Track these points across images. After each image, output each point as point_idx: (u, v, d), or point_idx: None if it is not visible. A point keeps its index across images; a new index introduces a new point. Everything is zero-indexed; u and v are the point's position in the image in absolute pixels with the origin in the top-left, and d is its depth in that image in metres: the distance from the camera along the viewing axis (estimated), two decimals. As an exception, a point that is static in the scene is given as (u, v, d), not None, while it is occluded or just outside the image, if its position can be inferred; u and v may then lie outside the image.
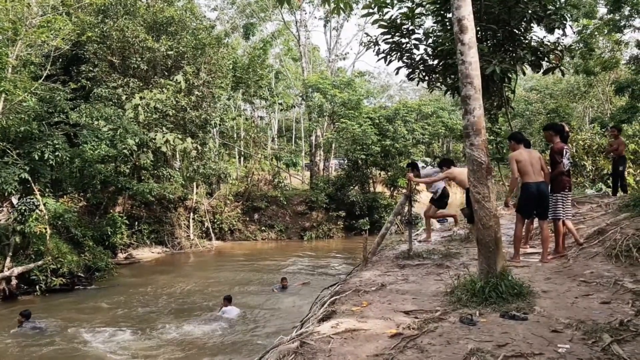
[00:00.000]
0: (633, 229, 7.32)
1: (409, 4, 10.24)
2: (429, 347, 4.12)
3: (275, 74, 35.82)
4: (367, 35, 10.87)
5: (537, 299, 5.22)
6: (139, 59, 19.86)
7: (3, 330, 10.69)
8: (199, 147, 21.02)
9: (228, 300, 12.06)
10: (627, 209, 8.76)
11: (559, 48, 9.91)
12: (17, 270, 13.66)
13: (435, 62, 10.58)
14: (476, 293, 5.21)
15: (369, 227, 24.23)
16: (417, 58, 10.72)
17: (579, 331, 4.25)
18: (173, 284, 15.58)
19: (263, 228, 25.50)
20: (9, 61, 14.16)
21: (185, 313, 12.27)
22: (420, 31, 10.53)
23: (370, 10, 9.81)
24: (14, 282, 13.62)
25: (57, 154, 14.46)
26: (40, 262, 14.06)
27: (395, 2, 9.92)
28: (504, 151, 15.23)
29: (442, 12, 10.20)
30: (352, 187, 27.42)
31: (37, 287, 13.79)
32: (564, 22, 9.61)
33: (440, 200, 10.15)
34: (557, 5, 9.44)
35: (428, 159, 33.93)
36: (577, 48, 20.20)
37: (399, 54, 10.61)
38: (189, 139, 19.80)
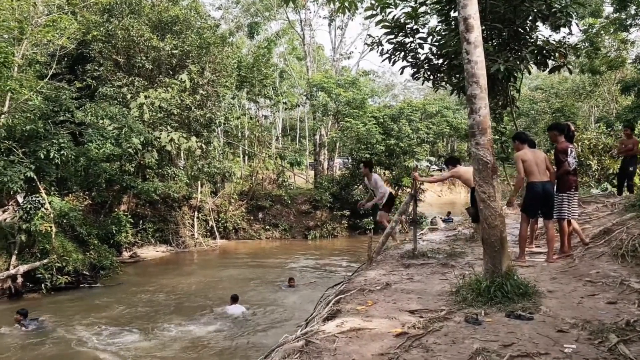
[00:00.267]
0: (639, 229, 7.29)
1: (413, 4, 10.21)
2: (434, 346, 4.12)
3: (279, 73, 35.81)
4: (370, 36, 10.86)
5: (542, 298, 5.20)
6: (144, 58, 19.90)
7: (1, 329, 10.71)
8: (204, 146, 21.06)
9: (234, 300, 12.10)
10: (634, 209, 8.73)
11: (564, 47, 9.87)
12: (23, 268, 13.72)
13: (440, 61, 10.55)
14: (481, 292, 5.20)
15: (373, 226, 24.18)
16: (422, 57, 10.70)
17: (585, 331, 4.24)
18: (177, 282, 15.62)
19: (267, 227, 25.53)
20: (15, 60, 14.20)
21: (190, 312, 12.30)
22: (425, 30, 10.51)
23: (374, 12, 9.80)
24: (19, 280, 13.70)
25: (62, 152, 14.49)
26: (45, 261, 14.12)
27: (399, 1, 9.90)
28: (509, 150, 15.17)
29: (446, 11, 10.17)
30: (356, 186, 27.39)
31: (43, 285, 13.84)
32: (570, 20, 9.57)
33: (388, 204, 10.31)
34: (563, 4, 9.40)
35: (432, 158, 33.92)
36: (582, 47, 20.11)
37: (403, 53, 10.58)
38: (193, 138, 19.84)
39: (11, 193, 14.55)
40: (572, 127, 9.04)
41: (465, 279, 5.69)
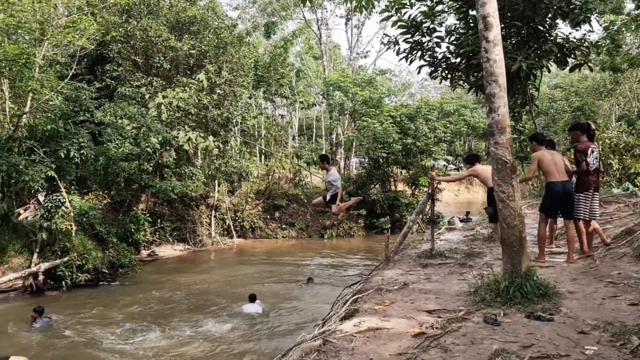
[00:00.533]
0: (662, 229, 7.17)
1: (429, 3, 10.16)
2: (452, 346, 4.09)
3: (296, 73, 35.86)
4: (387, 35, 10.83)
5: (563, 299, 5.14)
6: (162, 58, 20.07)
7: (17, 325, 10.88)
8: (221, 146, 21.17)
9: (251, 299, 12.17)
10: (656, 209, 8.59)
11: (585, 44, 9.74)
12: (44, 266, 13.94)
13: (458, 60, 10.49)
14: (500, 293, 5.15)
15: (389, 225, 24.15)
16: (439, 56, 10.64)
17: (606, 333, 4.18)
18: (195, 281, 15.73)
19: (284, 226, 25.59)
20: (36, 61, 14.42)
21: (207, 310, 12.38)
22: (442, 29, 10.45)
23: (389, 13, 9.77)
24: (41, 277, 13.91)
25: (82, 152, 14.67)
26: (66, 258, 14.33)
27: (415, 1, 9.85)
28: (528, 150, 15.04)
29: (464, 10, 10.10)
30: (373, 186, 27.34)
31: (63, 282, 14.05)
32: (590, 17, 9.45)
33: (331, 199, 10.38)
34: (583, 0, 9.27)
35: (450, 158, 33.72)
36: (603, 44, 19.81)
37: (420, 52, 10.55)
38: (210, 138, 19.97)
39: (32, 192, 14.78)
40: (593, 126, 8.91)
41: (484, 279, 5.64)
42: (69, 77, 16.20)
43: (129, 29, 19.61)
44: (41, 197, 15.18)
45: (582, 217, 7.22)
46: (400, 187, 28.84)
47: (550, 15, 9.49)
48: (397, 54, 10.71)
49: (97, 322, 11.24)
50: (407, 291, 6.12)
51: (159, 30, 19.59)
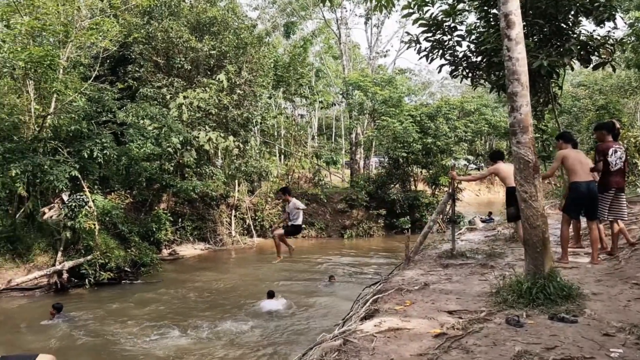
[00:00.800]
0: (689, 230, 7.02)
1: (450, 1, 10.08)
2: (474, 347, 4.06)
3: (315, 72, 35.88)
4: (408, 34, 10.77)
5: (587, 301, 5.06)
6: (183, 59, 20.26)
7: (37, 322, 11.04)
8: (241, 145, 21.30)
9: (270, 296, 12.22)
10: (683, 209, 8.40)
11: (609, 42, 9.57)
12: (68, 264, 14.18)
13: (479, 58, 10.39)
14: (523, 294, 5.10)
15: (409, 225, 24.03)
16: (460, 55, 10.55)
17: (632, 335, 4.10)
18: (215, 279, 15.84)
19: (303, 226, 25.57)
20: (61, 63, 14.67)
21: (227, 308, 12.46)
22: (463, 28, 10.36)
23: (410, 10, 9.71)
24: (65, 275, 14.15)
25: (105, 152, 14.88)
26: (89, 257, 14.56)
27: (436, -1, 9.79)
28: (551, 149, 14.83)
29: (485, 8, 10.00)
30: (392, 185, 27.23)
31: (87, 280, 14.27)
32: (614, 14, 9.27)
33: (292, 231, 10.64)
34: (607, -3, 9.11)
35: (470, 157, 33.42)
36: (628, 42, 19.45)
37: (441, 51, 10.46)
38: (231, 137, 20.10)
39: (57, 191, 15.03)
40: (617, 125, 8.75)
41: (506, 280, 5.58)
42: (92, 79, 16.44)
43: (150, 30, 19.83)
44: (65, 197, 15.43)
45: (599, 218, 7.12)
46: (420, 186, 28.68)
47: (573, 12, 9.34)
48: (418, 52, 10.64)
49: (118, 320, 11.38)
50: (428, 291, 6.09)
51: (179, 31, 19.78)
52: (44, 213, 16.03)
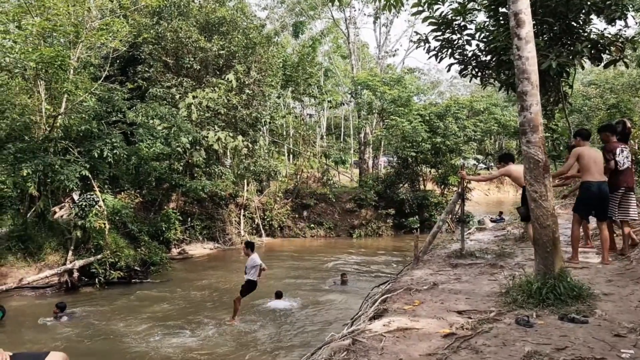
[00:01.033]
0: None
1: (460, 0, 10.05)
2: (483, 348, 4.05)
3: (324, 72, 35.92)
4: (417, 33, 10.75)
5: (598, 301, 5.03)
6: (192, 59, 20.34)
7: (43, 320, 11.09)
8: (250, 145, 21.35)
9: (278, 296, 12.23)
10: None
11: (620, 40, 9.50)
12: (79, 263, 14.28)
13: (489, 57, 10.35)
14: (533, 294, 5.07)
15: (418, 225, 23.97)
16: (470, 54, 10.52)
17: (643, 336, 4.08)
18: (224, 279, 15.87)
19: (312, 225, 25.64)
20: (71, 63, 14.78)
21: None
22: (472, 27, 10.33)
23: (420, 8, 9.70)
24: (75, 274, 14.25)
25: (115, 151, 14.97)
26: (99, 256, 14.66)
27: (446, -2, 9.76)
28: (561, 148, 14.74)
29: (495, 7, 9.97)
30: (401, 185, 27.18)
31: (97, 279, 14.35)
32: (626, 12, 9.20)
33: (248, 286, 10.62)
34: (618, -5, 9.04)
35: (480, 157, 33.26)
36: None
37: (450, 50, 10.44)
38: (239, 137, 20.15)
39: (67, 191, 15.15)
40: (629, 124, 8.68)
41: (516, 280, 5.56)
42: (102, 79, 16.55)
43: (159, 30, 19.93)
44: (76, 196, 15.55)
45: (610, 218, 7.12)
46: (429, 186, 28.60)
47: (584, 11, 9.28)
48: (427, 52, 10.63)
49: (126, 319, 11.43)
50: (437, 291, 6.07)
51: (189, 31, 19.86)
52: (55, 212, 16.17)
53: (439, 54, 10.48)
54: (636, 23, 20.91)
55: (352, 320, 6.34)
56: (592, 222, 8.12)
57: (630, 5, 9.38)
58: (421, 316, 5.02)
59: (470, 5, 10.02)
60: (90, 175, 14.76)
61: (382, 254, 20.79)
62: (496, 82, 10.96)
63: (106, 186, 16.52)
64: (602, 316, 4.61)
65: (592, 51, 9.49)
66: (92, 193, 14.94)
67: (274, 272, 17.08)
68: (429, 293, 6.01)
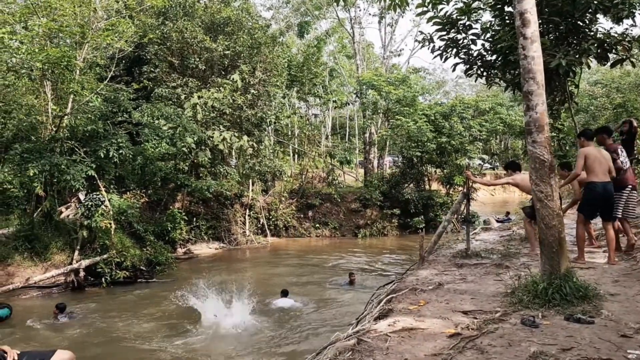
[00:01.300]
0: None
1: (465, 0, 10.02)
2: (489, 348, 4.04)
3: (329, 72, 35.86)
4: (422, 32, 10.73)
5: (604, 302, 5.01)
6: (197, 59, 20.38)
7: (40, 320, 11.13)
8: (255, 145, 21.37)
9: (284, 294, 12.24)
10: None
11: (627, 39, 9.45)
12: (85, 262, 14.34)
13: (494, 57, 10.32)
14: (538, 294, 5.06)
15: (424, 225, 23.94)
16: (475, 54, 10.49)
17: (650, 337, 4.06)
18: (229, 279, 15.88)
19: (317, 225, 25.64)
20: (77, 63, 14.84)
21: (241, 307, 12.46)
22: (478, 26, 10.30)
23: (425, 9, 9.68)
24: (82, 274, 14.30)
25: (120, 151, 15.01)
26: (105, 256, 14.71)
27: (451, -3, 9.74)
28: (567, 148, 14.68)
29: (500, 6, 9.93)
30: (406, 185, 27.14)
31: (103, 279, 14.40)
32: (633, 11, 9.15)
33: None
34: (626, -5, 8.99)
35: (485, 156, 33.18)
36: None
37: (455, 50, 10.42)
38: (245, 137, 20.17)
39: (73, 191, 15.20)
40: (635, 124, 8.66)
41: (521, 280, 5.55)
42: (108, 79, 16.60)
43: (165, 30, 19.97)
44: (82, 196, 15.60)
45: (619, 216, 7.17)
46: (435, 186, 28.54)
47: (590, 10, 9.23)
48: (432, 51, 10.61)
49: (132, 318, 11.47)
50: (442, 291, 6.06)
51: (194, 31, 19.90)
52: (61, 212, 16.24)
53: (444, 53, 10.46)
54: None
55: (358, 320, 6.34)
56: (598, 222, 8.09)
57: (638, 4, 9.31)
58: (426, 316, 5.02)
59: (475, 5, 9.98)
60: (96, 175, 14.81)
61: (388, 254, 20.76)
62: (502, 81, 10.93)
63: (112, 186, 16.58)
64: (608, 317, 4.59)
65: (599, 50, 9.44)
66: (98, 193, 14.99)
67: (279, 271, 17.13)
68: (434, 293, 6.00)
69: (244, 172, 22.25)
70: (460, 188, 23.40)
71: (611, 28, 9.60)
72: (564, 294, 4.95)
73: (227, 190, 21.22)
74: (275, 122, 24.19)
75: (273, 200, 25.49)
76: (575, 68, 9.79)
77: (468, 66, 10.65)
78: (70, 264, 14.38)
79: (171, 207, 19.99)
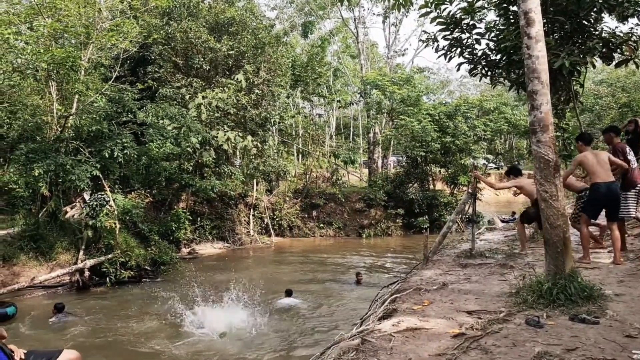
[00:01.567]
0: None
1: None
2: (493, 348, 4.03)
3: (333, 72, 35.88)
4: (426, 32, 10.71)
5: (609, 302, 4.99)
6: (202, 59, 20.41)
7: (41, 320, 11.16)
8: (259, 145, 21.40)
9: (288, 294, 12.24)
10: None
11: (632, 38, 9.40)
12: (90, 262, 14.39)
13: (498, 57, 10.28)
14: (543, 294, 5.04)
15: (428, 225, 23.90)
16: (479, 53, 10.46)
17: (655, 337, 4.04)
18: (233, 278, 15.89)
19: (321, 225, 25.65)
20: (82, 64, 14.88)
21: (244, 306, 12.47)
22: (482, 26, 10.26)
23: (428, 9, 9.65)
24: (86, 273, 14.35)
25: (125, 152, 15.06)
26: (110, 255, 14.75)
27: (454, -3, 9.70)
28: (572, 148, 14.62)
29: (505, 5, 9.90)
30: (411, 185, 27.12)
31: (108, 279, 14.45)
32: (638, 9, 9.10)
33: None
34: (631, -7, 8.94)
35: (490, 156, 33.09)
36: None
37: (459, 50, 10.38)
38: (249, 137, 20.20)
39: (78, 191, 15.25)
40: (641, 123, 8.62)
41: (526, 280, 5.53)
42: (112, 79, 16.64)
43: (169, 31, 20.02)
44: (87, 196, 15.64)
45: (633, 216, 7.18)
46: (439, 186, 28.50)
47: (595, 9, 9.19)
48: (436, 51, 10.59)
49: (137, 317, 11.48)
50: (447, 291, 6.06)
51: (198, 31, 19.94)
52: (66, 212, 16.29)
53: (448, 53, 10.43)
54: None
55: (362, 320, 6.34)
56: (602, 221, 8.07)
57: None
58: (430, 316, 5.01)
59: (479, 4, 9.95)
60: (101, 175, 14.85)
61: (392, 253, 20.75)
62: (506, 81, 10.89)
63: (117, 186, 16.62)
64: (613, 317, 4.57)
65: (604, 50, 9.39)
66: (102, 193, 15.03)
67: (283, 271, 17.13)
68: (438, 293, 5.99)
69: (248, 172, 22.28)
70: (465, 188, 23.37)
71: (616, 27, 9.55)
72: (568, 294, 4.93)
73: (232, 190, 21.25)
74: (279, 122, 24.22)
75: (277, 200, 25.51)
76: (580, 67, 9.75)
77: (472, 66, 10.62)
78: (75, 263, 14.43)
79: (175, 207, 20.03)
